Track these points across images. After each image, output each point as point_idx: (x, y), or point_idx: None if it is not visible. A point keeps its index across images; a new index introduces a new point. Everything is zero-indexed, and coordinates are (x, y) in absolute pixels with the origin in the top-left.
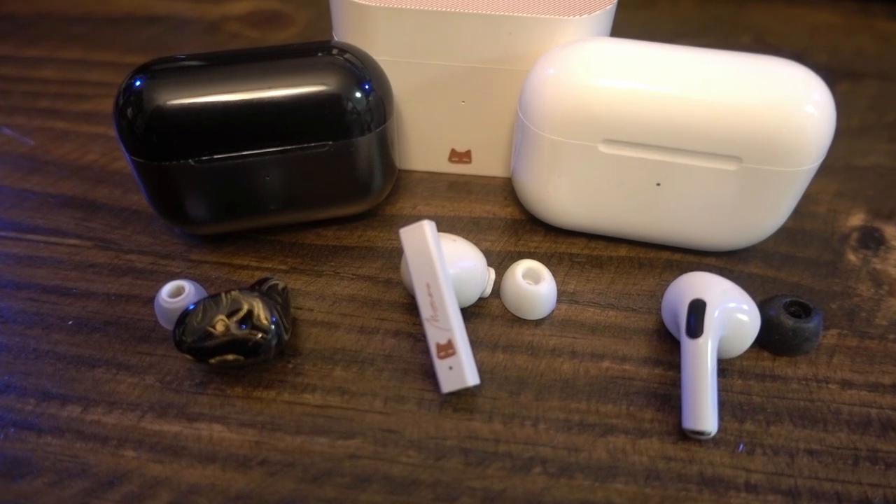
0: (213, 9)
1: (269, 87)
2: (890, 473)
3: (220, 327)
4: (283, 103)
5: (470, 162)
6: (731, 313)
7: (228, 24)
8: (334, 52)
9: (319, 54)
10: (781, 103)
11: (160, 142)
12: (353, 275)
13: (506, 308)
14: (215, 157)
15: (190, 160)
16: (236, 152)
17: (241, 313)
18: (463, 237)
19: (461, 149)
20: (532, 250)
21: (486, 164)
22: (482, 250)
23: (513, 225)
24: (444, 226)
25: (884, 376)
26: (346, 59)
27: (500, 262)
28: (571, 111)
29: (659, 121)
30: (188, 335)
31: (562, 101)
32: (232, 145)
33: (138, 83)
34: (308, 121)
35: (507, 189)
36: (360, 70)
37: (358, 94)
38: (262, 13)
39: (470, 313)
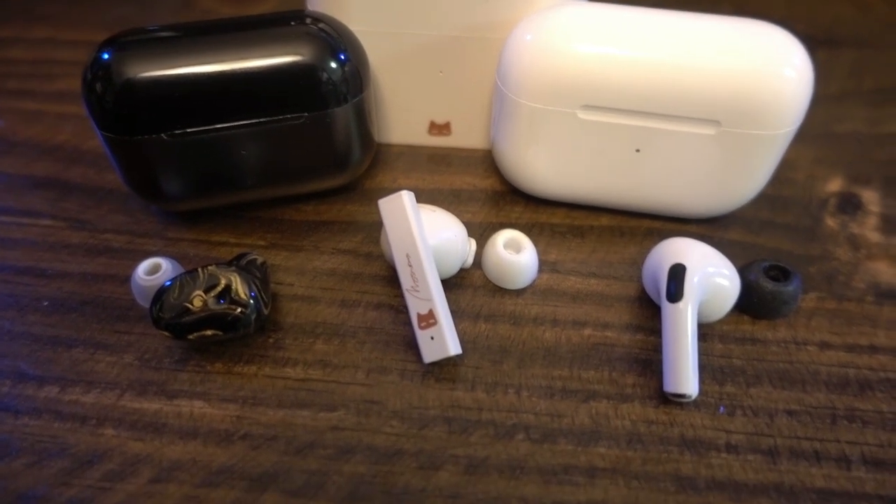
0: None
1: (242, 58)
2: (867, 431)
3: (197, 303)
4: (256, 74)
5: (450, 134)
6: (711, 278)
7: (201, 1)
8: (308, 21)
9: (293, 24)
10: (759, 66)
11: (131, 116)
12: (333, 249)
13: (487, 278)
14: (188, 130)
15: (162, 134)
16: (210, 125)
17: (219, 288)
18: (444, 208)
19: (440, 121)
20: (513, 221)
21: (466, 136)
22: (463, 222)
23: (493, 196)
24: (425, 198)
25: (861, 337)
26: (321, 29)
27: (481, 233)
28: (550, 77)
29: (637, 85)
30: (165, 312)
31: (540, 68)
32: (205, 118)
33: (106, 56)
34: (282, 92)
35: (488, 161)
36: (335, 39)
37: (333, 64)
38: None
39: (452, 284)
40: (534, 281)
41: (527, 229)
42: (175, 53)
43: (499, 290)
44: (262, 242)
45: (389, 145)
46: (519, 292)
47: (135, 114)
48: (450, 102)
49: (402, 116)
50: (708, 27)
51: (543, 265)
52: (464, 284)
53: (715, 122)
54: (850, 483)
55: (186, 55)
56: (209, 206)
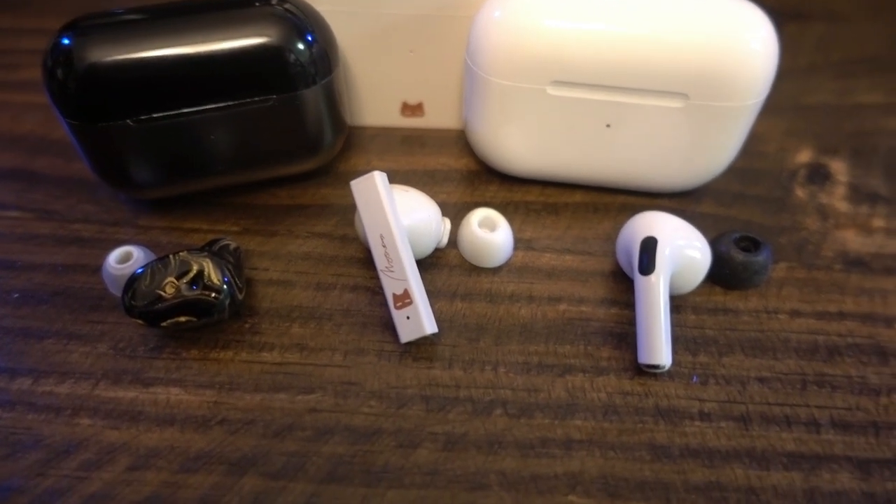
0: None
1: (207, 41)
2: (836, 395)
3: (170, 290)
4: (221, 57)
5: (423, 115)
6: (682, 249)
7: None
8: (273, 1)
9: (257, 4)
10: (724, 38)
11: (94, 102)
12: (308, 233)
13: (463, 257)
14: (154, 115)
15: (127, 120)
16: (176, 110)
17: (192, 274)
18: (419, 189)
19: (413, 101)
20: (488, 200)
21: (439, 117)
22: (438, 202)
23: (468, 176)
24: (399, 180)
25: (830, 304)
26: (286, 9)
27: (456, 213)
28: (519, 54)
29: (605, 60)
30: (138, 299)
31: (509, 45)
32: (171, 103)
33: (66, 41)
34: (249, 74)
35: (462, 141)
36: (302, 20)
37: (300, 45)
38: None
39: (428, 264)
40: (509, 259)
41: (502, 208)
42: (138, 37)
43: (475, 269)
44: (235, 228)
45: (363, 128)
46: (495, 270)
47: (98, 100)
48: (421, 83)
49: (374, 98)
50: (674, 1)
51: (519, 243)
52: (440, 264)
53: (682, 95)
54: (820, 446)
55: (149, 38)
56: (180, 192)
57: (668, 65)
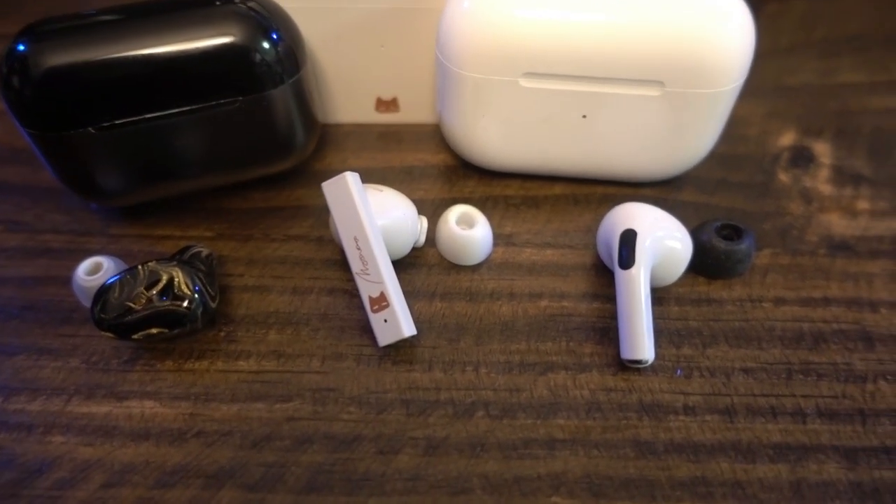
0: None
1: (167, 43)
2: (821, 383)
3: (139, 301)
4: (184, 59)
5: (398, 110)
6: (663, 241)
7: None
8: (236, 0)
9: (218, 3)
10: (698, 24)
11: (53, 110)
12: (283, 236)
13: (442, 256)
14: (117, 122)
15: (89, 128)
16: (139, 115)
17: (161, 284)
18: (395, 187)
19: (387, 97)
20: (466, 196)
21: (415, 112)
22: (416, 199)
23: (446, 172)
24: (376, 177)
25: (814, 290)
26: (250, 8)
27: (434, 210)
28: (488, 46)
29: (576, 49)
30: (107, 312)
31: (478, 36)
32: (133, 108)
33: (22, 47)
34: (213, 76)
35: (439, 136)
36: (266, 18)
37: (265, 44)
38: None
39: (406, 264)
40: (489, 255)
41: (481, 203)
42: (96, 40)
43: (454, 267)
44: (208, 233)
45: (337, 125)
46: (474, 268)
47: (57, 108)
48: (395, 77)
49: (347, 94)
50: None
51: (498, 238)
52: (418, 263)
53: (658, 83)
54: (806, 436)
55: (109, 42)
56: (151, 199)
57: (642, 53)
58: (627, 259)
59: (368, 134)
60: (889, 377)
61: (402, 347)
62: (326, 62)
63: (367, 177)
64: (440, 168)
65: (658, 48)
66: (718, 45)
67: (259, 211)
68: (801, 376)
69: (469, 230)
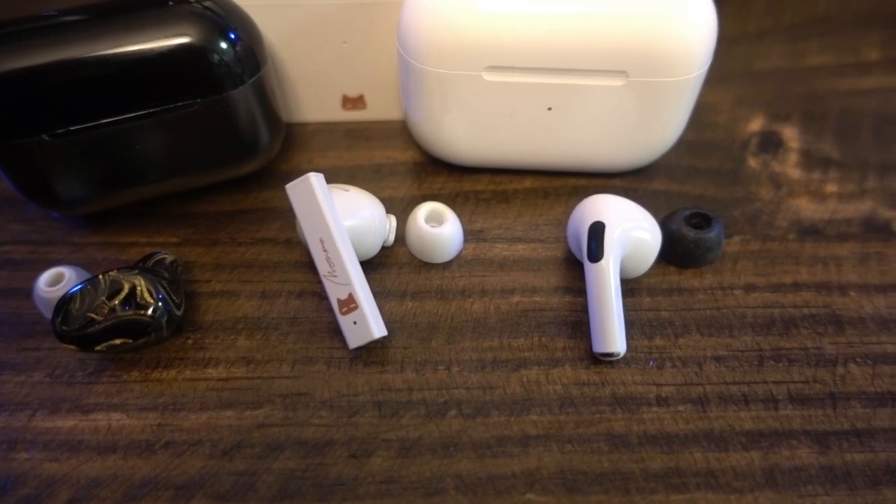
0: None
1: (122, 44)
2: (793, 369)
3: (101, 311)
4: (139, 61)
5: (365, 107)
6: (631, 232)
7: None
8: (191, 0)
9: (171, 3)
10: (659, 12)
11: (3, 118)
12: (251, 239)
13: (413, 254)
14: (71, 128)
15: (43, 135)
16: (94, 121)
17: (123, 293)
18: (364, 186)
19: (353, 94)
20: (436, 192)
21: (382, 108)
22: (385, 198)
23: (415, 168)
24: (345, 176)
25: (785, 276)
26: (206, 7)
27: (403, 207)
28: (449, 40)
29: (538, 41)
30: (69, 324)
31: (438, 30)
32: (88, 114)
33: None
34: (170, 78)
35: (407, 132)
36: (222, 17)
37: (223, 44)
38: None
39: (376, 263)
40: (460, 252)
41: (451, 199)
42: (46, 44)
43: (424, 266)
44: (174, 239)
45: (303, 124)
46: (445, 265)
47: (7, 115)
48: (359, 74)
49: (312, 93)
50: None
51: (469, 235)
52: (388, 263)
53: (622, 73)
54: (778, 422)
55: (59, 45)
56: (114, 205)
57: (605, 43)
58: (596, 252)
59: (336, 132)
60: (859, 360)
61: (373, 349)
62: (288, 60)
63: (335, 176)
64: (409, 165)
65: (620, 38)
66: (680, 34)
67: (226, 214)
68: (772, 362)
69: (438, 227)
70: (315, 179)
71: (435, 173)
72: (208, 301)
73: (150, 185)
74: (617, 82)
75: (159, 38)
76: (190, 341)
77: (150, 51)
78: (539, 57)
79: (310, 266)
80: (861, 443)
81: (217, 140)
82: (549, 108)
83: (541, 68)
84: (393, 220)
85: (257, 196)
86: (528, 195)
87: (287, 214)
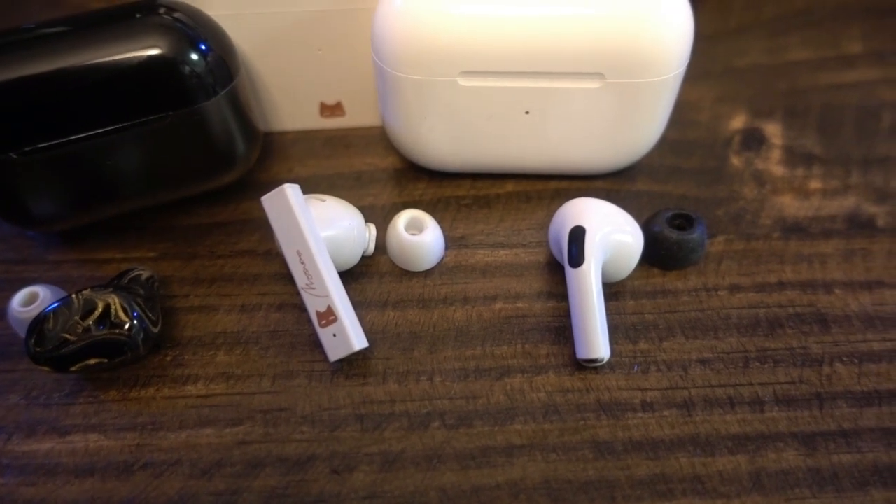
0: None
1: (88, 58)
2: (778, 370)
3: (75, 331)
4: (107, 75)
5: (343, 115)
6: (612, 236)
7: None
8: (161, 11)
9: (138, 16)
10: (633, 13)
11: None
12: (229, 252)
13: (394, 263)
14: (39, 146)
15: (10, 153)
16: (63, 138)
17: (98, 313)
18: (344, 193)
19: (331, 101)
20: (417, 199)
21: (361, 115)
22: (366, 205)
23: (395, 175)
24: (324, 184)
25: (769, 275)
26: (175, 19)
27: (384, 215)
28: (423, 46)
29: (511, 45)
30: (42, 345)
31: (411, 36)
32: (56, 130)
33: None
34: (140, 92)
35: (387, 138)
36: (193, 28)
37: (194, 56)
38: None
39: (357, 273)
40: (441, 259)
41: (432, 206)
42: (9, 60)
43: (406, 274)
44: (152, 254)
45: (283, 133)
46: (427, 273)
47: None
48: (336, 81)
49: (289, 101)
50: None
51: (451, 241)
52: (369, 272)
53: (598, 75)
54: (764, 424)
55: (24, 60)
56: (89, 221)
57: (579, 45)
58: (577, 257)
59: (315, 140)
60: (845, 358)
61: (354, 361)
62: (263, 69)
63: (316, 184)
64: (390, 172)
65: (595, 40)
66: (656, 35)
67: (204, 227)
68: (757, 364)
69: (418, 235)
70: (290, 190)
71: (416, 179)
72: (187, 316)
73: (125, 199)
74: (594, 84)
75: (128, 51)
76: (168, 358)
77: (120, 64)
78: (514, 61)
79: (290, 278)
80: (848, 443)
81: (192, 152)
82: (527, 112)
83: (516, 72)
84: (372, 229)
85: (236, 207)
86: (510, 199)
87: (266, 225)
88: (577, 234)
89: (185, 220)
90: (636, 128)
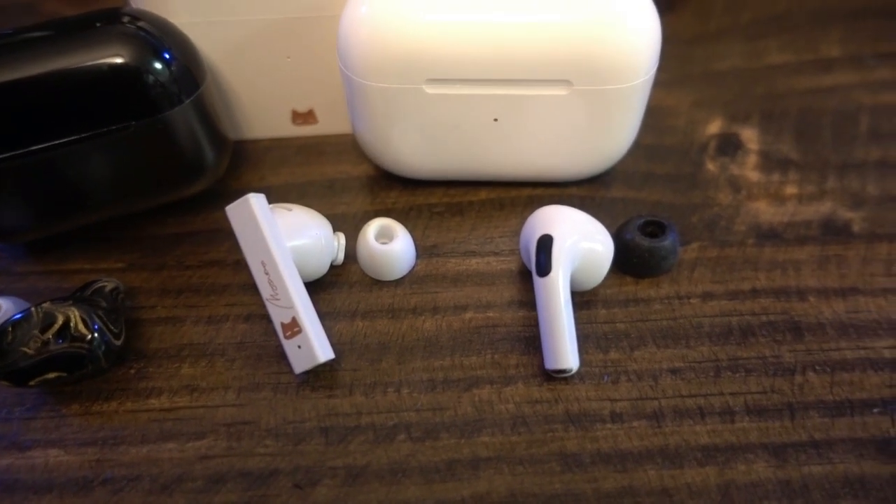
0: None
1: (50, 67)
2: (750, 379)
3: (34, 345)
4: (67, 84)
5: (316, 122)
6: (581, 244)
7: (47, 4)
8: (125, 20)
9: (98, 24)
10: (598, 21)
11: None
12: (198, 262)
13: (364, 272)
14: (0, 157)
15: None
16: (24, 148)
17: (56, 326)
18: (317, 202)
19: (302, 109)
20: (389, 207)
21: (333, 122)
22: (338, 213)
23: (368, 183)
24: (296, 193)
25: (743, 282)
26: (139, 27)
27: (356, 223)
28: (388, 54)
29: (476, 52)
30: (1, 359)
31: (377, 44)
32: (15, 140)
33: None
34: (103, 101)
35: (359, 146)
36: (156, 37)
37: (157, 64)
38: None
39: (326, 283)
40: (412, 268)
41: (404, 214)
42: None
43: (376, 284)
44: (120, 265)
45: (255, 141)
46: (397, 283)
47: None
48: (307, 88)
49: (260, 109)
50: None
51: (423, 250)
52: (339, 282)
53: (565, 82)
54: (734, 435)
55: None
56: (56, 232)
57: (545, 52)
58: (545, 266)
59: (287, 148)
60: (818, 367)
61: (321, 372)
62: (233, 77)
63: (287, 192)
64: (362, 180)
65: (560, 47)
66: (621, 41)
67: (173, 237)
68: (729, 373)
69: (388, 244)
70: (254, 200)
71: (388, 187)
72: (153, 328)
73: (92, 210)
74: (561, 91)
75: (90, 60)
76: (133, 371)
77: (82, 73)
78: (479, 68)
79: (258, 288)
80: (819, 454)
81: (159, 162)
82: (495, 120)
83: (482, 79)
84: (341, 238)
85: (207, 217)
86: (483, 207)
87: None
88: (545, 243)
89: (154, 229)
90: (607, 135)
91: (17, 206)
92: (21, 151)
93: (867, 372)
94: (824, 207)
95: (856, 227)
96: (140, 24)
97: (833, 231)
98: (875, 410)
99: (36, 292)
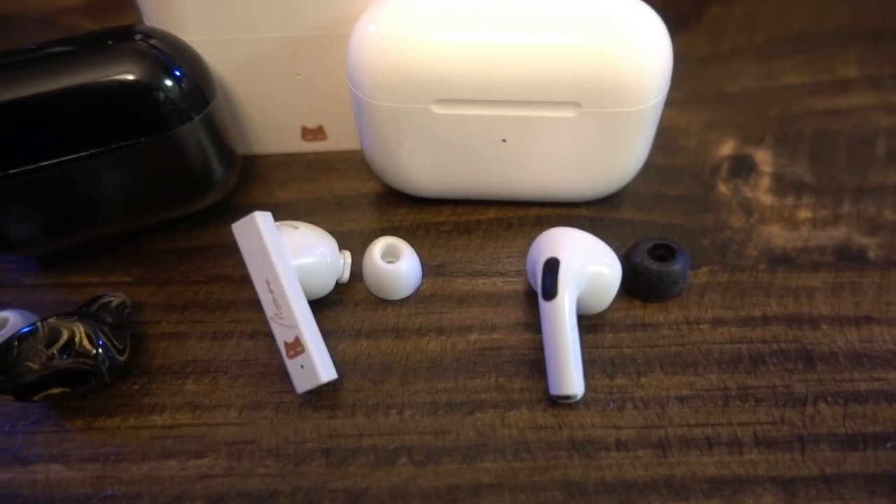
0: (48, 1)
1: (62, 84)
2: (759, 409)
3: (38, 360)
4: (80, 101)
5: (325, 138)
6: (588, 267)
7: (65, 17)
8: (137, 37)
9: (110, 42)
10: (609, 43)
11: None
12: (205, 277)
13: (370, 291)
14: (11, 172)
15: None
16: (36, 164)
17: (62, 341)
18: (325, 218)
19: (312, 125)
20: (397, 225)
21: (343, 139)
22: (345, 230)
23: (376, 200)
24: (304, 209)
25: (754, 309)
26: (150, 45)
27: (363, 241)
28: (397, 74)
29: (485, 73)
30: (5, 374)
31: (386, 64)
32: (27, 156)
33: None
34: (114, 117)
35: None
36: (167, 54)
37: (167, 81)
38: (100, 2)
39: (331, 301)
40: (418, 288)
41: (411, 232)
42: None
43: (381, 303)
44: (127, 279)
45: (265, 156)
46: (402, 302)
47: None
48: (317, 105)
49: (270, 125)
50: (551, 5)
51: (429, 269)
52: (344, 300)
53: (574, 104)
54: (742, 467)
55: None
56: (65, 245)
57: (553, 74)
58: (550, 289)
59: (297, 163)
60: (829, 398)
61: (324, 392)
62: (243, 94)
63: (296, 208)
64: (371, 197)
65: (569, 69)
66: (632, 64)
67: (181, 252)
68: (738, 402)
69: (394, 263)
70: (260, 218)
71: (396, 205)
72: (157, 343)
73: (101, 224)
74: (569, 113)
75: (102, 77)
76: (136, 387)
77: (93, 90)
78: (487, 89)
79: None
80: (830, 490)
81: (168, 177)
82: (504, 140)
83: (490, 100)
84: (348, 256)
85: (214, 231)
86: (491, 226)
87: None
88: (552, 266)
89: (162, 244)
90: (616, 157)
91: (28, 220)
92: (33, 166)
93: (881, 404)
94: (839, 233)
95: (871, 254)
96: (152, 41)
97: (848, 257)
98: (889, 445)
99: (44, 305)
